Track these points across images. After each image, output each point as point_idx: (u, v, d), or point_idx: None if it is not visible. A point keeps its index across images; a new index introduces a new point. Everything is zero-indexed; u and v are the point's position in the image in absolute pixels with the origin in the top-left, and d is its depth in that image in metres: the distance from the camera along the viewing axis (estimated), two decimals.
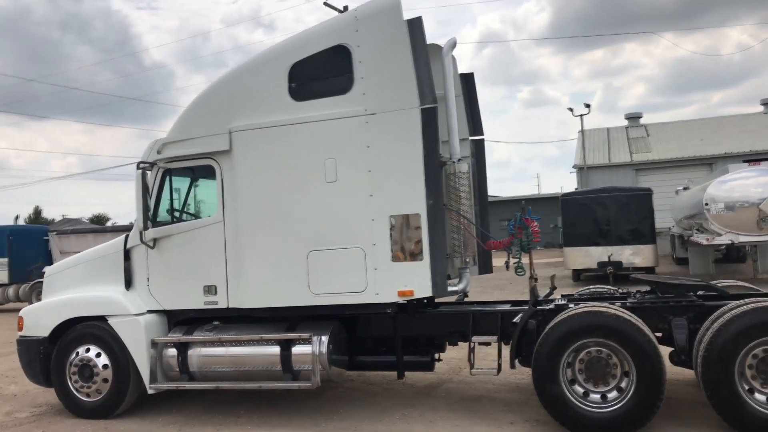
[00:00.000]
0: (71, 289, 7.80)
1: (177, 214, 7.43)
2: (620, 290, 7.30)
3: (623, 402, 5.70)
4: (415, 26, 6.34)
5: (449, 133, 7.83)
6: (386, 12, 6.46)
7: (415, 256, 6.24)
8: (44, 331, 7.55)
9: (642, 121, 40.60)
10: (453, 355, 8.44)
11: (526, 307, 6.61)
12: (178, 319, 7.38)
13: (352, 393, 7.90)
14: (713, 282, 7.33)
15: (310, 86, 6.72)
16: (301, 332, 6.72)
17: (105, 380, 7.29)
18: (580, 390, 5.91)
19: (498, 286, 18.65)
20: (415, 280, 6.25)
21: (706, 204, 18.12)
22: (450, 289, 7.41)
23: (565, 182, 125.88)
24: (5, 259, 22.21)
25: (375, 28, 6.49)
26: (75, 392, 7.42)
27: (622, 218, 19.98)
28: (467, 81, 8.29)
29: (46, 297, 8.06)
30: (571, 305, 6.44)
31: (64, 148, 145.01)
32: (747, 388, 5.52)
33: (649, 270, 20.18)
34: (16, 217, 31.60)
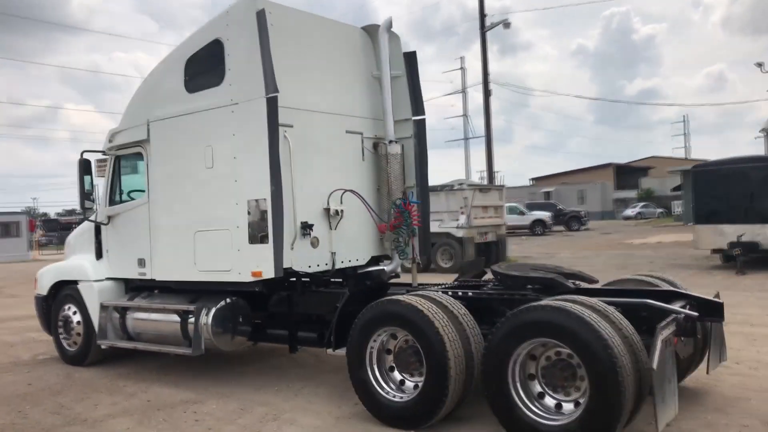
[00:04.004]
0: (73, 255, 9.30)
1: (124, 195, 8.48)
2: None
3: (415, 394, 5.57)
4: (261, 18, 6.54)
5: (384, 114, 7.91)
6: (244, 4, 6.75)
7: (262, 239, 6.57)
8: (44, 290, 9.15)
9: None
10: None
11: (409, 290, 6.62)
12: (131, 286, 8.49)
13: (285, 364, 8.40)
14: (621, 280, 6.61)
15: (198, 79, 7.27)
16: (196, 304, 7.41)
17: (78, 334, 8.68)
18: (398, 378, 5.86)
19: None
20: (263, 262, 6.58)
21: None
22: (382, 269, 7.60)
23: None
24: None
25: (237, 21, 6.82)
26: (62, 342, 8.93)
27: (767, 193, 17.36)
28: (410, 60, 8.21)
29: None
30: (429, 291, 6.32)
31: None
32: (538, 391, 5.10)
33: None
34: None
